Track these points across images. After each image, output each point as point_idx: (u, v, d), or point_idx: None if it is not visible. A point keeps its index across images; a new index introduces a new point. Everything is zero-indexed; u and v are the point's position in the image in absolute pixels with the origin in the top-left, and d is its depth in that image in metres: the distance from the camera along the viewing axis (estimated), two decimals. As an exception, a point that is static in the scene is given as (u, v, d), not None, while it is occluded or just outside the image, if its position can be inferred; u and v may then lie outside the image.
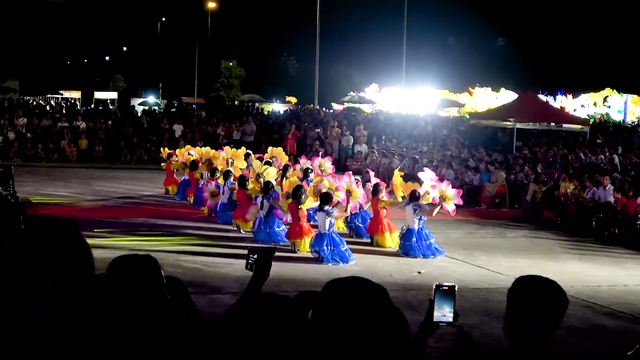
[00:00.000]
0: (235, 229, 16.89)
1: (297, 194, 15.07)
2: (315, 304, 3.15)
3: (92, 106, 56.37)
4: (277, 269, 11.40)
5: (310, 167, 19.58)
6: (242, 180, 17.25)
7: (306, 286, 11.19)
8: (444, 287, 3.66)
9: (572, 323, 10.40)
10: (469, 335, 3.65)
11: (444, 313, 3.65)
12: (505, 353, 3.53)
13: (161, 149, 25.70)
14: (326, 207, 14.44)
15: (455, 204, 15.65)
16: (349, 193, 15.42)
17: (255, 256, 4.23)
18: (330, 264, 13.77)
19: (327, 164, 20.52)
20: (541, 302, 3.48)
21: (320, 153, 23.94)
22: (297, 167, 20.10)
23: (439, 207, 15.40)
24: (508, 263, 14.72)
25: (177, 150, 24.10)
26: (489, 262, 14.82)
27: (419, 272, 13.54)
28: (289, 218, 15.84)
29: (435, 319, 3.66)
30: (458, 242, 16.88)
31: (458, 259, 15.02)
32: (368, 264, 14.07)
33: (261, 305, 2.85)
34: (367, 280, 3.22)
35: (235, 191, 17.46)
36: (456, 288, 3.68)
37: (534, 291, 3.53)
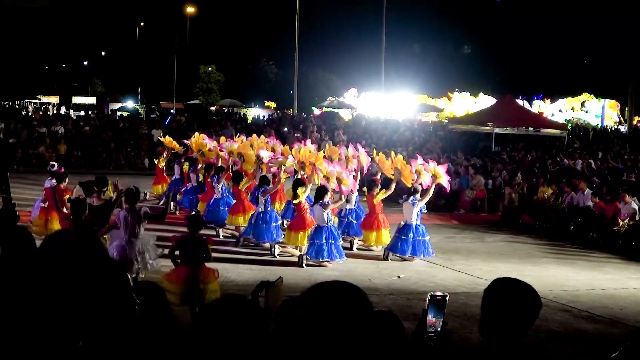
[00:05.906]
0: (215, 233, 16.70)
1: (296, 188, 14.87)
2: (297, 309, 3.12)
3: (71, 111, 55.95)
4: (255, 273, 11.38)
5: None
6: (237, 176, 17.07)
7: (284, 291, 11.16)
8: (437, 297, 3.66)
9: (552, 327, 10.45)
10: (451, 335, 3.66)
11: (434, 322, 3.66)
12: (482, 353, 3.55)
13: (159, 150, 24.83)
14: (322, 200, 14.30)
15: (447, 180, 15.69)
16: (339, 181, 14.72)
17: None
18: (311, 261, 13.87)
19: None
20: (514, 304, 3.55)
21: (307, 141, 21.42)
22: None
23: (433, 187, 15.34)
24: (487, 267, 14.75)
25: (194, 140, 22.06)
26: (468, 266, 14.86)
27: (398, 277, 13.55)
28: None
29: (426, 329, 3.67)
30: (437, 247, 16.86)
31: (437, 264, 15.04)
32: (347, 269, 14.03)
33: (231, 310, 2.81)
34: (350, 284, 3.20)
35: (231, 187, 17.44)
36: (447, 297, 3.69)
37: (509, 292, 3.58)
